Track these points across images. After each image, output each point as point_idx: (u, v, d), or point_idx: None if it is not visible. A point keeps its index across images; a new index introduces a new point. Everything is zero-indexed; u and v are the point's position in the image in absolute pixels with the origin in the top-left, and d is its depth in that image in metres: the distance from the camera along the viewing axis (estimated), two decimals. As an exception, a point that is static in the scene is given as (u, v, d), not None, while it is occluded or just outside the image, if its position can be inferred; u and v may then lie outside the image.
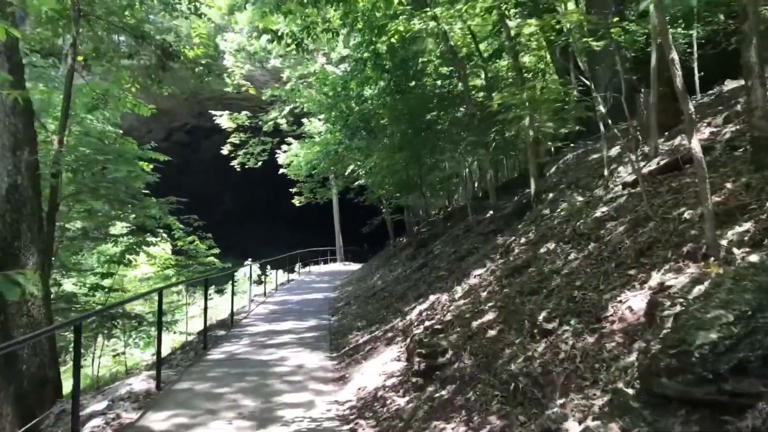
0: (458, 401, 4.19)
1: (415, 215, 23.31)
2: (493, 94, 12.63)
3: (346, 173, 21.57)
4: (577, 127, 12.74)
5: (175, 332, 12.23)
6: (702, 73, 9.45)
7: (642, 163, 6.43)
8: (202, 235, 16.83)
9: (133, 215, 10.36)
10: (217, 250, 17.38)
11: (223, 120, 26.63)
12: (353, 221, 30.12)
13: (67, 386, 12.70)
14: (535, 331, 4.26)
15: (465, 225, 11.88)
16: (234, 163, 27.21)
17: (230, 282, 12.11)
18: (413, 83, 14.17)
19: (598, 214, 5.57)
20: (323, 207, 30.98)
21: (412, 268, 11.56)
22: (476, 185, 19.97)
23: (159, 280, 16.52)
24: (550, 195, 8.48)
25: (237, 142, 26.90)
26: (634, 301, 3.65)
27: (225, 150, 26.97)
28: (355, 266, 27.85)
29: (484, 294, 5.81)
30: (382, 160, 14.85)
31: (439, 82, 14.68)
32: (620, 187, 6.03)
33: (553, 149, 13.60)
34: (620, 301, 3.75)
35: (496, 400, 3.84)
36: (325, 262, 31.73)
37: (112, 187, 9.27)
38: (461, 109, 13.98)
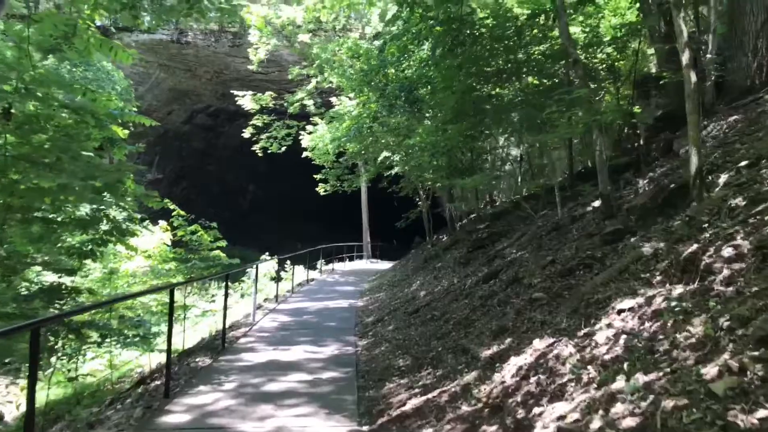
0: None
1: (457, 209, 20.03)
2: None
3: (379, 160, 18.53)
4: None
5: (152, 351, 9.27)
6: None
7: None
8: (204, 223, 13.92)
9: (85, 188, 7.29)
10: (223, 243, 14.40)
11: (246, 100, 24.13)
12: (383, 215, 27.10)
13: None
14: None
15: (549, 221, 8.60)
16: (256, 147, 24.67)
17: (225, 287, 9.12)
18: (468, 44, 10.94)
19: None
20: (350, 199, 28.07)
21: (473, 278, 8.37)
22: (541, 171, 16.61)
23: (153, 276, 13.64)
24: (722, 176, 5.22)
25: (260, 124, 24.55)
26: None
27: (246, 133, 24.50)
28: (384, 265, 24.79)
29: (706, 371, 2.62)
30: (427, 136, 11.72)
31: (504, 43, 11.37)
32: None
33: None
34: None
35: None
36: (351, 259, 28.71)
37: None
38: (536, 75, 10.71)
